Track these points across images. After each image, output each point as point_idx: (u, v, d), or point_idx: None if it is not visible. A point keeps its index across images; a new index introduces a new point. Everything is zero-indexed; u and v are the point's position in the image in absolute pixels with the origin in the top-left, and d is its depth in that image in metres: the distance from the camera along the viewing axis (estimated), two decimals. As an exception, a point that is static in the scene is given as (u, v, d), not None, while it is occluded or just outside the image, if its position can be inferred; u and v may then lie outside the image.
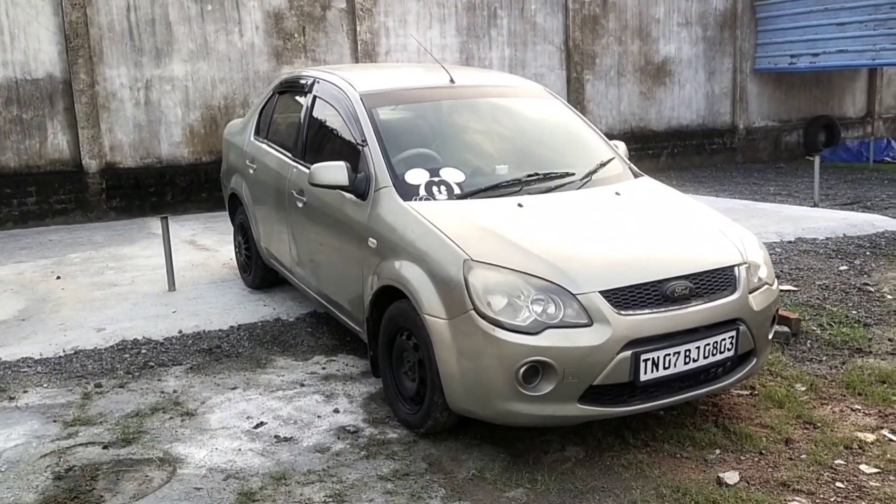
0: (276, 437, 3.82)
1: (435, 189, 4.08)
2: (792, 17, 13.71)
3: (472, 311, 3.38)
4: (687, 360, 3.49)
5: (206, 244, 8.08)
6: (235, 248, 6.45)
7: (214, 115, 10.50)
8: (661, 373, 3.44)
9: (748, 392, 4.23)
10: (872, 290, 6.00)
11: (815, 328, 5.16)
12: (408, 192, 4.05)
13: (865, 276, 6.41)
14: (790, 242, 7.43)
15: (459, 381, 3.46)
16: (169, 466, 3.54)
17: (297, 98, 5.40)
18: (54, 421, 4.01)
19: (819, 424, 3.85)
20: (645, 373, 3.40)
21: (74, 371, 4.68)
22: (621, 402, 3.46)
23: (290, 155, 5.18)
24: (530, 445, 3.70)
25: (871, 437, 3.70)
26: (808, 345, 4.91)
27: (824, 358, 4.73)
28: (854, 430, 3.78)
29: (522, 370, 3.30)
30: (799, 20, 13.57)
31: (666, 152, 13.78)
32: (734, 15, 14.13)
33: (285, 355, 4.95)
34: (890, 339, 4.99)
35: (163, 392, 4.37)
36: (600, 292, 3.38)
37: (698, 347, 3.51)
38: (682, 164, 13.82)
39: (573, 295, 3.36)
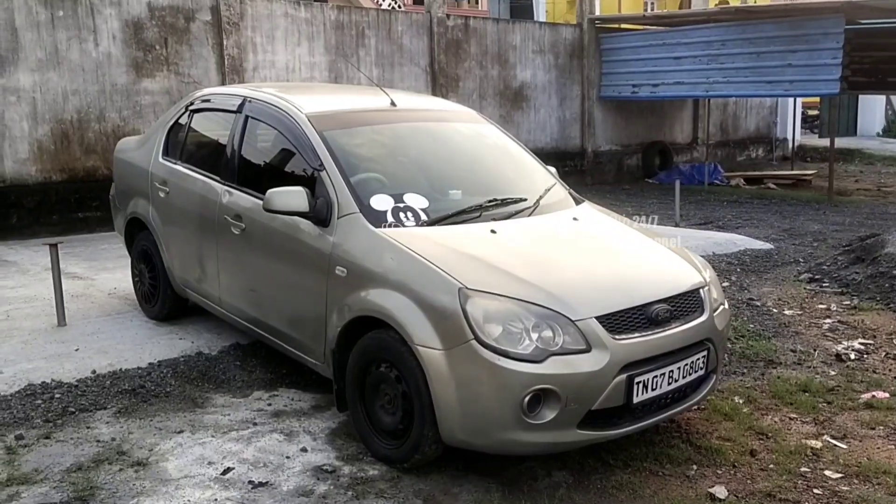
0: (250, 482, 3.55)
1: (402, 215, 3.99)
2: (633, 49, 14.71)
3: (473, 341, 3.32)
4: (670, 380, 3.63)
5: (77, 272, 7.37)
6: (134, 276, 5.93)
7: (66, 130, 9.64)
8: (650, 394, 3.55)
9: (696, 407, 4.45)
10: (759, 304, 6.53)
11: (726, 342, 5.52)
12: (376, 218, 3.93)
13: (746, 291, 6.97)
14: (671, 261, 7.91)
15: (458, 412, 3.38)
16: (143, 525, 3.19)
17: (222, 117, 5.07)
18: (-18, 482, 3.50)
19: (770, 434, 4.12)
20: (637, 395, 3.49)
21: (-19, 422, 4.10)
22: (614, 424, 3.53)
23: (218, 178, 4.85)
24: (516, 473, 3.68)
25: (818, 444, 4.01)
26: (728, 359, 5.24)
27: (745, 370, 5.08)
28: (801, 438, 4.08)
29: (527, 399, 3.28)
30: (640, 52, 14.57)
31: (523, 174, 14.24)
32: (581, 45, 14.94)
33: (221, 392, 4.61)
34: (792, 350, 5.44)
35: (98, 441, 3.93)
36: (596, 318, 3.44)
37: (679, 368, 3.66)
38: (538, 185, 14.33)
39: (572, 321, 3.39)
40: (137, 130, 9.62)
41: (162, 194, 5.37)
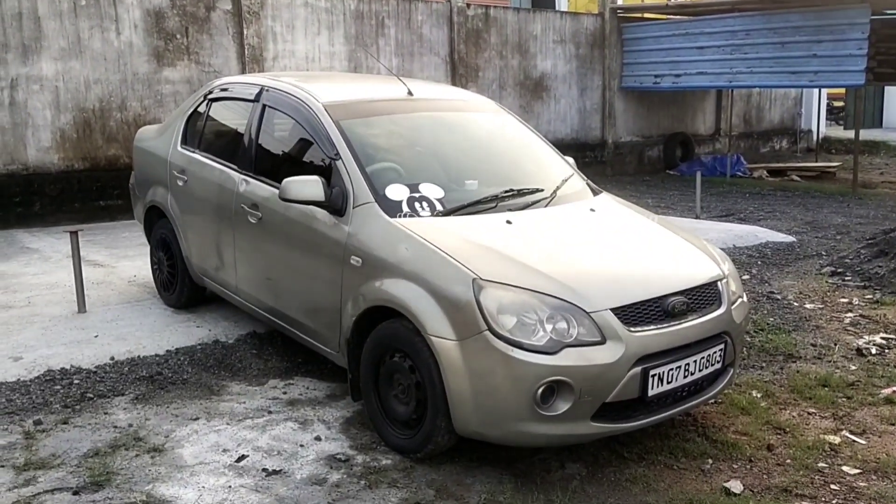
0: (263, 469, 3.57)
1: (417, 205, 3.98)
2: (656, 39, 14.56)
3: (487, 332, 3.31)
4: (686, 373, 3.59)
5: (98, 259, 7.45)
6: (153, 264, 5.97)
7: (88, 119, 9.72)
8: (665, 387, 3.52)
9: (712, 401, 4.41)
10: (779, 298, 6.45)
11: (745, 336, 5.47)
12: (391, 208, 3.92)
13: (767, 284, 6.89)
14: (691, 253, 7.84)
15: (471, 403, 3.37)
16: (158, 511, 3.21)
17: (240, 107, 5.08)
18: (2, 466, 3.54)
19: (787, 429, 4.07)
20: (652, 388, 3.46)
21: (1, 407, 4.15)
22: (628, 417, 3.51)
23: (235, 167, 4.87)
24: (530, 465, 3.67)
25: (836, 440, 3.96)
26: (746, 352, 5.19)
27: (764, 364, 5.02)
28: (819, 433, 4.04)
29: (540, 390, 3.27)
30: (662, 42, 14.43)
31: (543, 165, 14.18)
32: (603, 35, 14.82)
33: (237, 380, 4.64)
34: (813, 345, 5.37)
35: (115, 426, 3.97)
36: (611, 309, 3.41)
37: (695, 361, 3.63)
38: (558, 176, 14.26)
39: (587, 313, 3.37)
40: (158, 119, 9.68)
41: (180, 183, 5.40)
